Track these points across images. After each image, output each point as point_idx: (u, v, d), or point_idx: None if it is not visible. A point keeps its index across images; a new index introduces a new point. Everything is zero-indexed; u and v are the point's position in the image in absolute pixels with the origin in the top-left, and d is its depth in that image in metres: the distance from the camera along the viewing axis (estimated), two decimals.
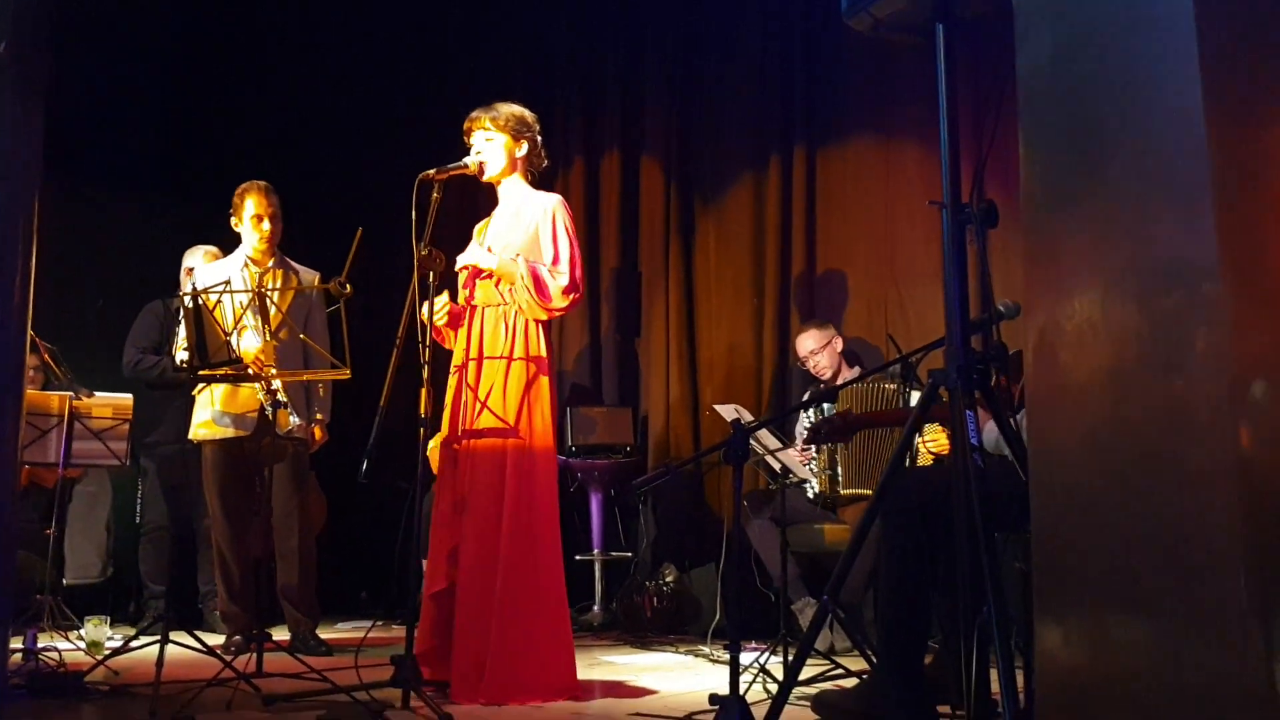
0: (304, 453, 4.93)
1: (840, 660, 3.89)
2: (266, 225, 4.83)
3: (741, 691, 2.72)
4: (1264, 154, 1.57)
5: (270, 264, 4.90)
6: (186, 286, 4.78)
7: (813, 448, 5.06)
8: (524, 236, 3.88)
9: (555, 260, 3.85)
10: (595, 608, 5.95)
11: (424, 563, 3.98)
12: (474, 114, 3.97)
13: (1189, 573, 1.65)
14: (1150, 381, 1.70)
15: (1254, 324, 1.54)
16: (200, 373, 3.65)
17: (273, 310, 4.27)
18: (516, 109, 3.99)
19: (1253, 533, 1.56)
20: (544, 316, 3.83)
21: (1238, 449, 1.58)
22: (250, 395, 4.64)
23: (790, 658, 3.34)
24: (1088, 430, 1.79)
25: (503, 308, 3.83)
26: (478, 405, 3.75)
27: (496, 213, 4.03)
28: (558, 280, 3.82)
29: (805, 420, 5.20)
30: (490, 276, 3.85)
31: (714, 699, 3.11)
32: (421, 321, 3.64)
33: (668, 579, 5.79)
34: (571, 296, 3.84)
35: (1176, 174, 1.61)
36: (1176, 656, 1.67)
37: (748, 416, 4.74)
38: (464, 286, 3.93)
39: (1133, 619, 1.74)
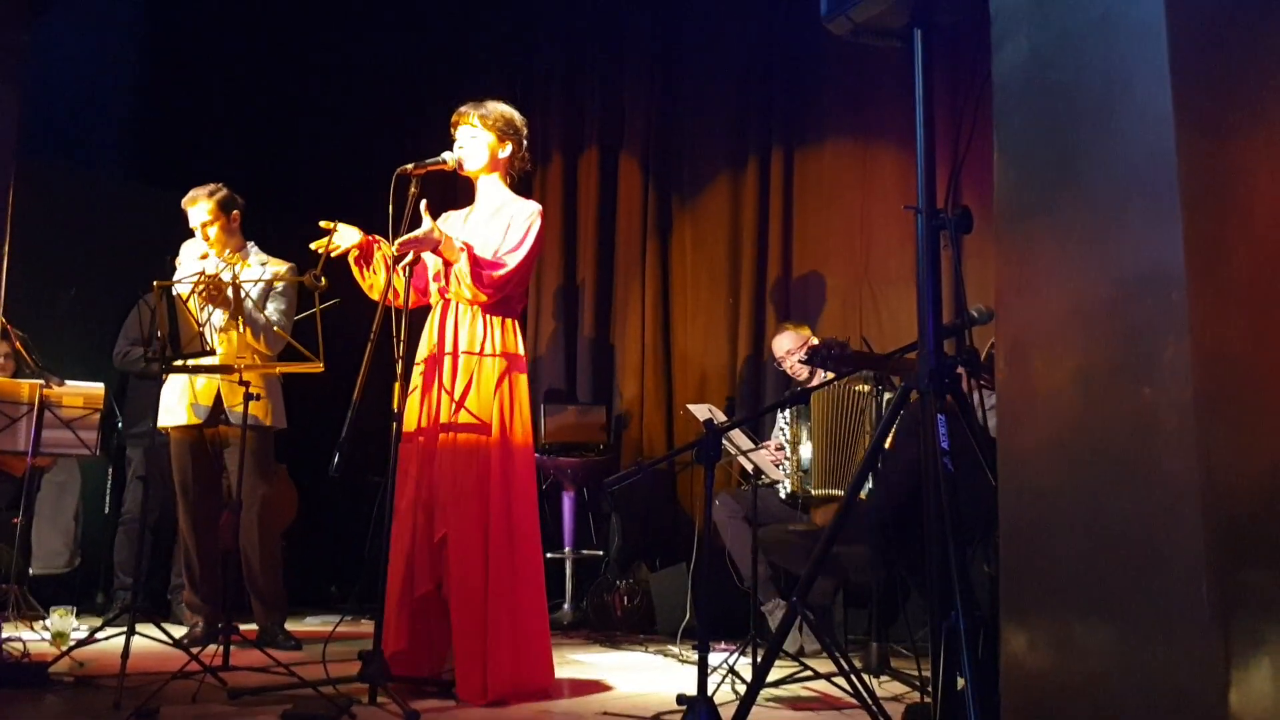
0: (265, 443, 4.85)
1: (809, 663, 3.90)
2: (209, 233, 4.87)
3: (710, 692, 2.72)
4: (1232, 163, 1.58)
5: (236, 258, 4.91)
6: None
7: (786, 449, 5.07)
8: (499, 234, 3.87)
9: (510, 250, 3.81)
10: (566, 606, 5.95)
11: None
12: (463, 108, 3.94)
13: (1153, 578, 1.66)
14: (1119, 388, 1.71)
15: (1219, 332, 1.55)
16: (174, 364, 3.63)
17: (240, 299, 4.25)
18: (506, 110, 3.96)
19: (1215, 539, 1.57)
20: (481, 299, 3.74)
21: (1202, 458, 1.59)
22: (208, 383, 4.67)
23: (759, 659, 3.34)
24: (1057, 435, 1.80)
25: None
26: (453, 402, 3.73)
27: (473, 211, 4.01)
28: (494, 268, 3.77)
29: (781, 420, 5.22)
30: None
31: (681, 699, 3.11)
32: (394, 309, 3.63)
33: (638, 578, 5.80)
34: (502, 288, 3.77)
35: (1147, 181, 1.62)
36: (1139, 661, 1.68)
37: (721, 417, 4.75)
38: (435, 279, 3.90)
39: (1098, 623, 1.75)
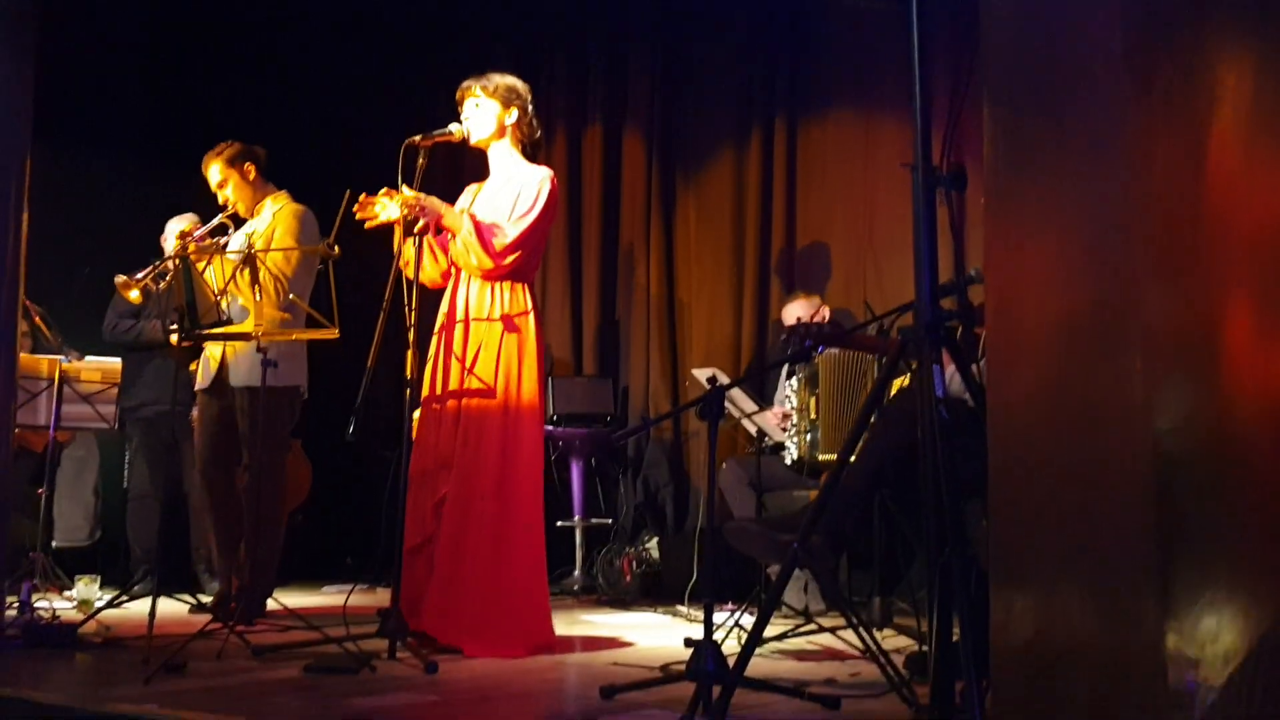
0: (271, 405, 4.43)
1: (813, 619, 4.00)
2: (225, 195, 4.79)
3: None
4: (1175, 118, 1.66)
5: (256, 215, 4.81)
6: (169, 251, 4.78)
7: (794, 415, 5.14)
8: (509, 203, 3.95)
9: (520, 215, 3.87)
10: (576, 573, 6.04)
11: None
12: (466, 83, 4.03)
13: (1116, 539, 1.73)
14: (1098, 334, 1.80)
15: (1185, 281, 1.64)
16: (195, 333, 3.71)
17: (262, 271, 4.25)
18: (508, 78, 4.05)
19: (1161, 505, 1.64)
20: (488, 265, 3.83)
21: (1152, 423, 1.67)
22: (219, 350, 4.61)
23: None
24: (1042, 382, 1.89)
25: None
26: (463, 369, 3.82)
27: (487, 181, 4.10)
28: (499, 237, 3.84)
29: (788, 389, 5.28)
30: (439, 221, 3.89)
31: (689, 641, 3.21)
32: (406, 279, 3.72)
33: (647, 545, 5.90)
34: (511, 256, 3.84)
35: (1119, 130, 1.71)
36: (1107, 623, 1.75)
37: (725, 379, 4.82)
38: (443, 252, 3.99)
39: (1072, 585, 1.82)
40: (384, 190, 3.78)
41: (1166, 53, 1.64)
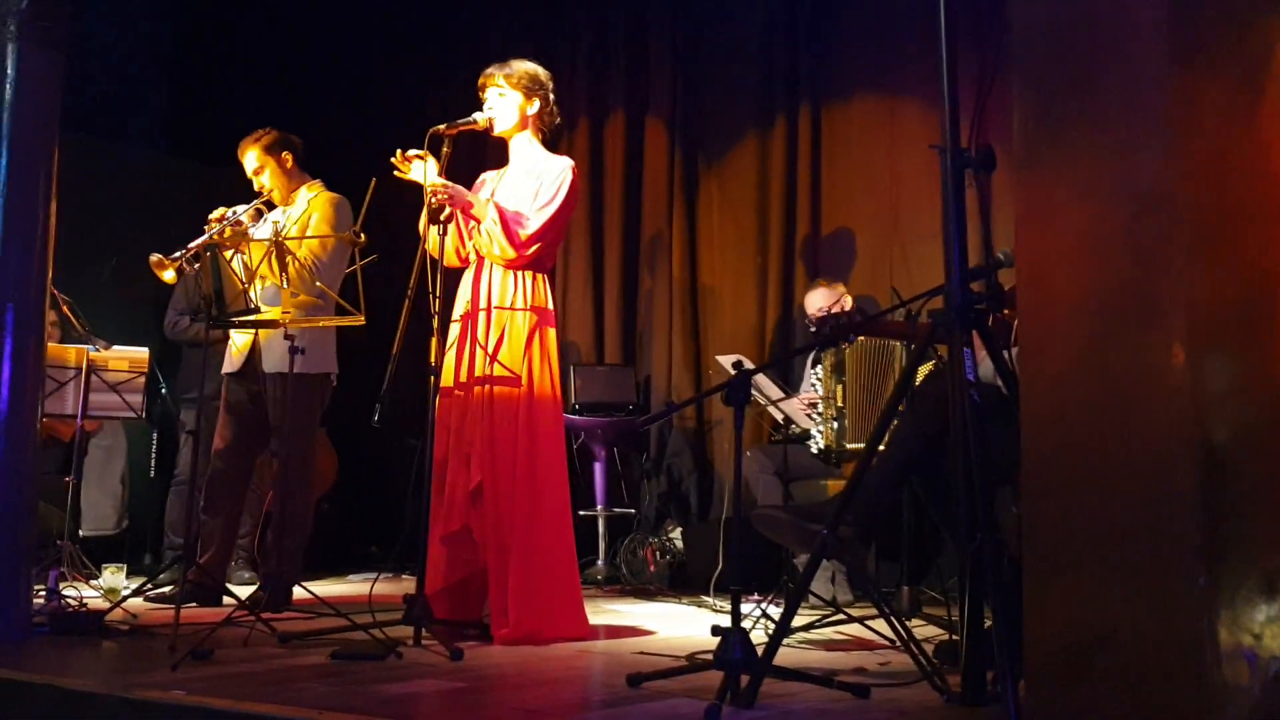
0: (298, 392, 4.37)
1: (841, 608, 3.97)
2: (261, 180, 4.80)
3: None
4: (1217, 95, 1.63)
5: (290, 203, 4.82)
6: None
7: (820, 404, 5.12)
8: (531, 193, 3.94)
9: (542, 206, 3.88)
10: (599, 562, 6.03)
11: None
12: (488, 71, 4.03)
13: (1157, 524, 1.71)
14: (1135, 311, 1.77)
15: (1218, 258, 1.61)
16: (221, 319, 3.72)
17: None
18: (530, 66, 4.04)
19: (1206, 489, 1.62)
20: (511, 255, 3.83)
21: (1195, 403, 1.64)
22: (247, 338, 4.63)
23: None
24: (1075, 357, 1.86)
25: None
26: (487, 357, 3.82)
27: (508, 170, 4.10)
28: (523, 227, 3.86)
29: (813, 377, 5.26)
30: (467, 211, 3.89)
31: (716, 629, 3.20)
32: (429, 262, 3.72)
33: (670, 535, 5.88)
34: (533, 247, 3.85)
35: (1151, 108, 1.68)
36: (1148, 610, 1.72)
37: (750, 365, 4.80)
38: (469, 237, 3.99)
39: (1111, 568, 1.79)
40: (422, 152, 3.78)
41: (1212, 20, 1.61)
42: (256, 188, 4.81)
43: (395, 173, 3.80)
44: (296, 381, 4.06)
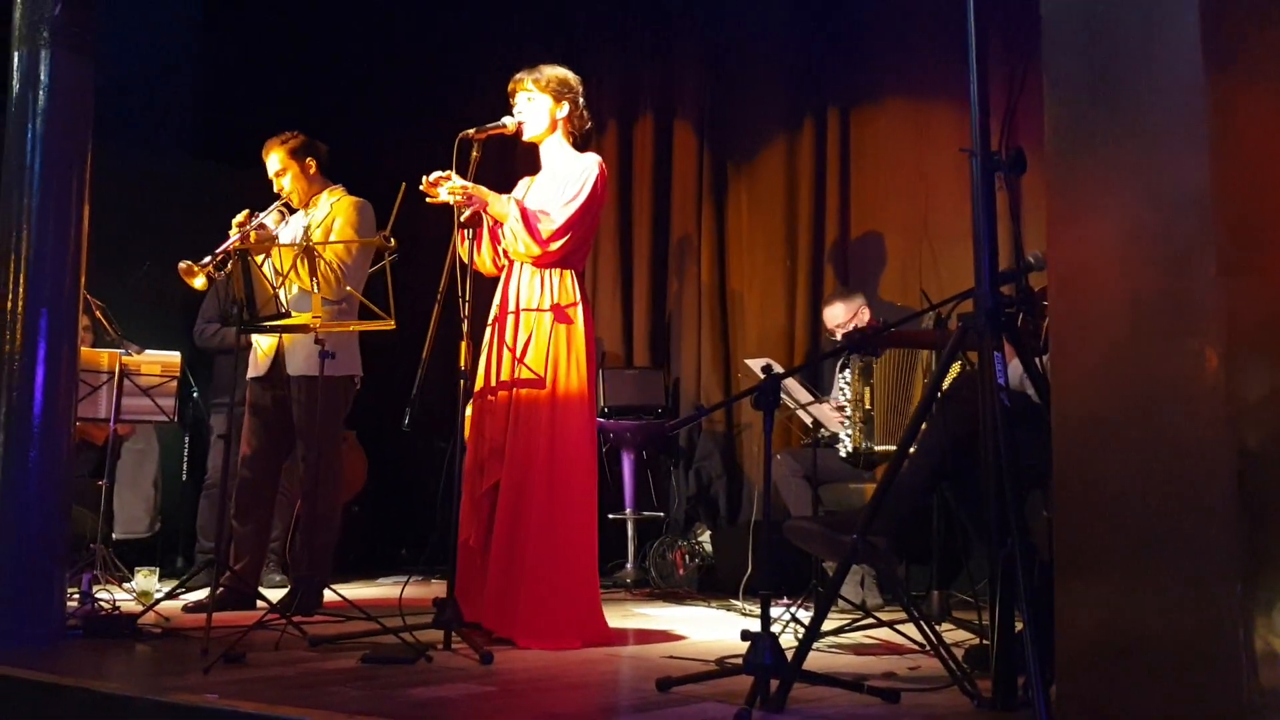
0: (327, 396, 4.32)
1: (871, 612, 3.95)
2: (283, 182, 4.80)
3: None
4: (1255, 99, 1.62)
5: (309, 207, 4.83)
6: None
7: (848, 407, 5.10)
8: (558, 192, 3.95)
9: (566, 202, 3.88)
10: (628, 565, 6.03)
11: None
12: (518, 75, 4.04)
13: (1192, 530, 1.69)
14: (1168, 316, 1.76)
15: (1251, 265, 1.60)
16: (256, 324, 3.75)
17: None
18: (560, 70, 4.05)
19: (1244, 495, 1.60)
20: (535, 251, 3.83)
21: (1230, 409, 1.63)
22: (271, 341, 4.63)
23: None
24: (1106, 361, 1.85)
25: None
26: (514, 359, 3.83)
27: (540, 174, 4.10)
28: (546, 223, 3.85)
29: (842, 381, 5.24)
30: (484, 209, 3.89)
31: (745, 634, 3.20)
32: (460, 267, 3.73)
33: (699, 538, 5.88)
34: (559, 242, 3.84)
35: (1184, 112, 1.67)
36: (1182, 616, 1.71)
37: (779, 368, 4.79)
38: (497, 241, 3.99)
39: (1144, 574, 1.77)
40: (446, 173, 3.78)
41: (1245, 25, 1.59)
42: (276, 189, 4.82)
43: (426, 199, 3.80)
44: (324, 384, 4.07)
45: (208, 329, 5.74)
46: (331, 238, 4.59)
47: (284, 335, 4.53)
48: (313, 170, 4.83)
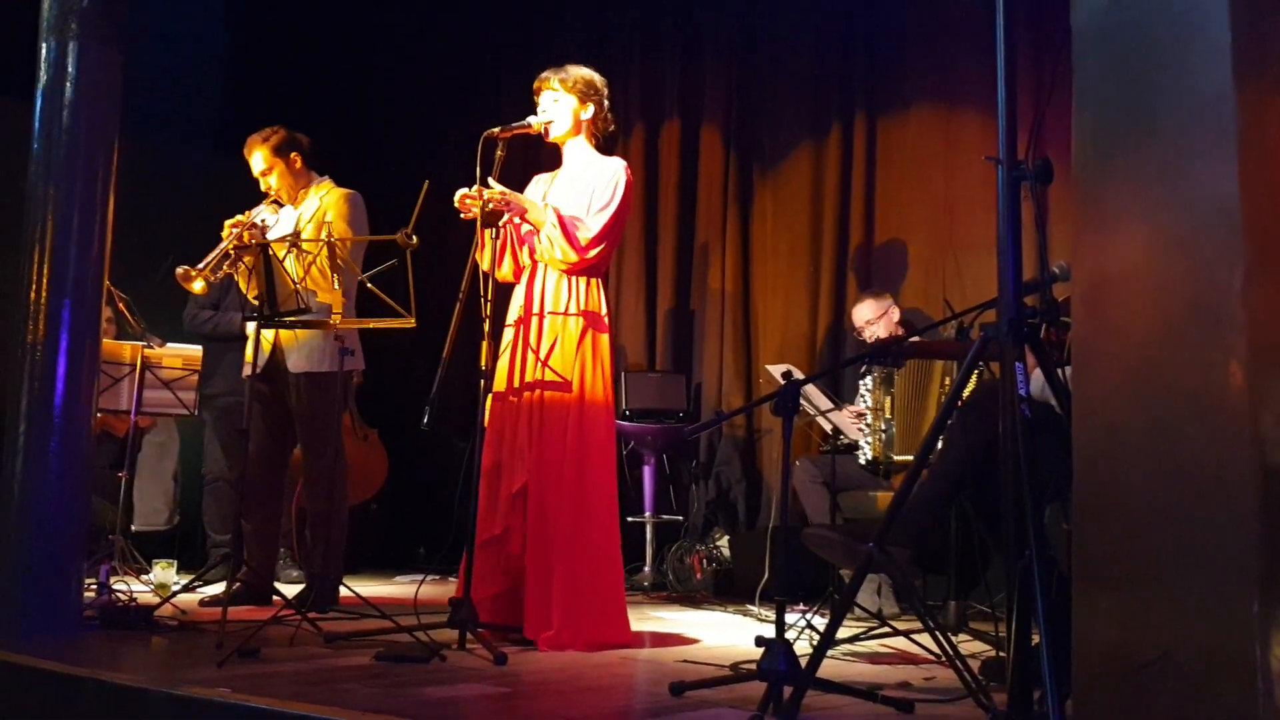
0: (328, 396, 4.42)
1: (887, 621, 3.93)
2: (270, 181, 4.75)
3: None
4: None
5: (298, 203, 4.78)
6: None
7: (868, 415, 5.09)
8: (586, 196, 3.94)
9: (600, 209, 3.87)
10: (646, 569, 6.03)
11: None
12: (544, 74, 4.03)
13: (1213, 546, 1.66)
14: (1194, 328, 1.74)
15: (1275, 273, 1.57)
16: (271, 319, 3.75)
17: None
18: (585, 71, 4.04)
19: (1266, 512, 1.58)
20: (573, 259, 3.82)
21: (1255, 424, 1.60)
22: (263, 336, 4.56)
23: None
24: (1130, 372, 1.83)
25: None
26: (539, 362, 3.82)
27: (560, 174, 4.10)
28: (583, 230, 3.85)
29: (863, 388, 5.22)
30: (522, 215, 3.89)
31: (760, 640, 3.18)
32: (482, 271, 3.73)
33: (718, 543, 5.87)
34: (595, 249, 3.84)
35: (1214, 121, 1.65)
36: (1201, 632, 1.68)
37: (799, 374, 4.78)
38: (521, 244, 3.99)
39: (1160, 587, 1.75)
40: (478, 188, 3.76)
41: (1275, 38, 1.57)
42: (264, 188, 4.77)
43: (462, 216, 3.79)
44: (328, 380, 4.07)
45: (201, 314, 5.62)
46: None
47: (280, 332, 4.48)
48: (298, 165, 4.76)
